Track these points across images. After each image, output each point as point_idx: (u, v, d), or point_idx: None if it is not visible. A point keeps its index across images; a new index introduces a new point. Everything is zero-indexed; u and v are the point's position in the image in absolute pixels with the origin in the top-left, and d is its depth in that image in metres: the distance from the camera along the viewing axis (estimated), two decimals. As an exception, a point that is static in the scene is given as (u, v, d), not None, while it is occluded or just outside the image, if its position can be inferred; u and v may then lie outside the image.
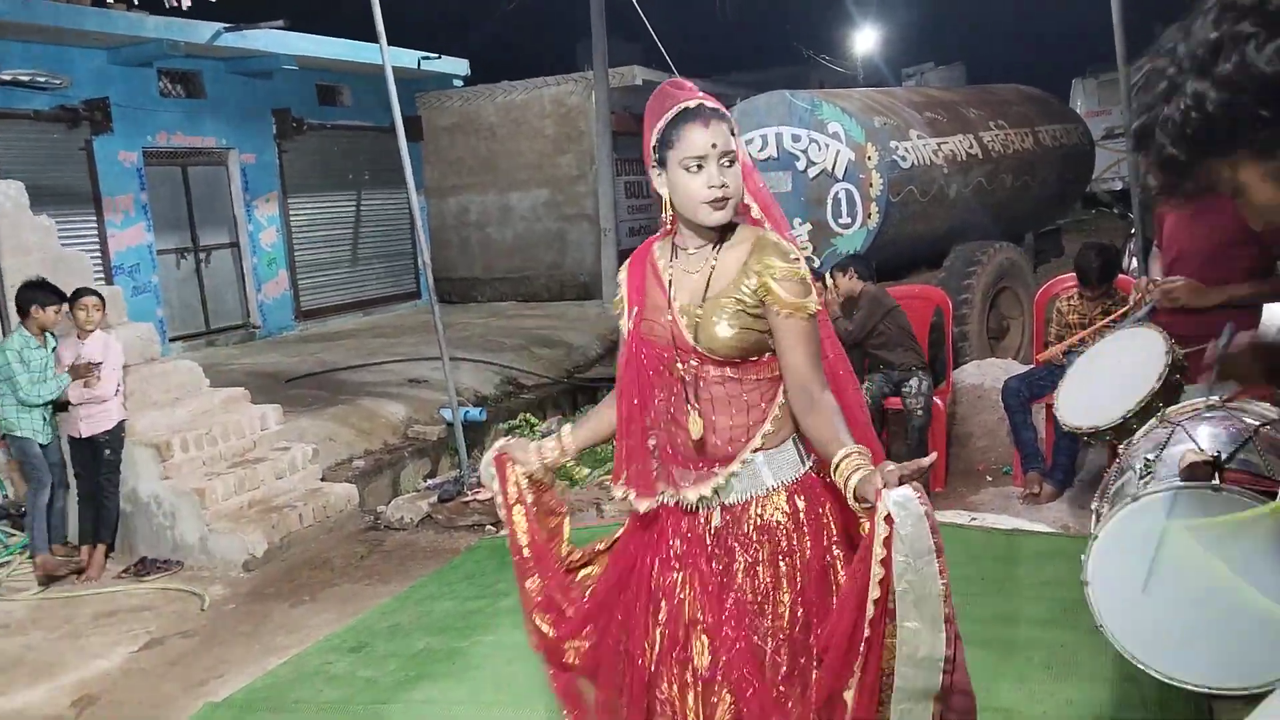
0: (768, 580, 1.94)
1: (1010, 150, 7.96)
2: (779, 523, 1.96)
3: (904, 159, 6.62)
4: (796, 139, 6.71)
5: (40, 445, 5.32)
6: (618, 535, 2.24)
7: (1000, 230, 7.64)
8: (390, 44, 6.02)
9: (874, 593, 1.72)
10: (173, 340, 10.70)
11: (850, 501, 1.82)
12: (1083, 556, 2.01)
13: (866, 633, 1.74)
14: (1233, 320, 2.97)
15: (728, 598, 1.95)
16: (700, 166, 1.89)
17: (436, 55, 13.81)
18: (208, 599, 4.96)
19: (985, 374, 6.07)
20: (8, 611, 4.95)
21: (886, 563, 1.69)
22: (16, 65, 9.12)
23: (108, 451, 5.39)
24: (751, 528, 1.97)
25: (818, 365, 1.94)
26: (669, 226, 2.03)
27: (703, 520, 2.01)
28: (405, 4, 8.26)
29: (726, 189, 1.89)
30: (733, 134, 1.93)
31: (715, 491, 1.98)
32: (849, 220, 6.59)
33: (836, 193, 6.60)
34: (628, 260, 2.12)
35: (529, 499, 2.26)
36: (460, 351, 8.96)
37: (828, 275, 5.71)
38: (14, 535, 5.71)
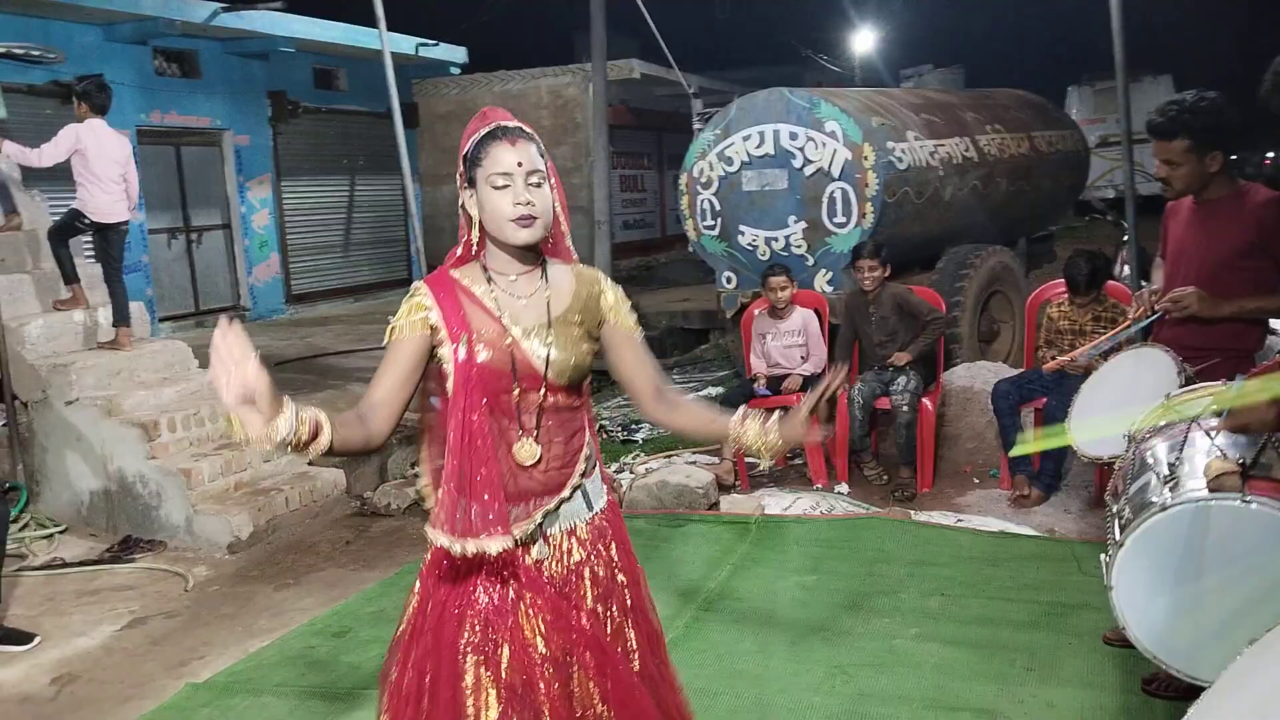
0: (614, 609, 2.05)
1: (1006, 154, 7.98)
2: (600, 547, 2.06)
3: (900, 160, 6.63)
4: (794, 137, 6.71)
5: None
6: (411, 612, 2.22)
7: (994, 234, 7.65)
8: (389, 29, 6.00)
9: None
10: (162, 320, 10.66)
11: (772, 446, 1.98)
12: (1104, 559, 2.04)
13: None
14: (1238, 343, 2.97)
15: (588, 627, 1.98)
16: (507, 185, 1.90)
17: (434, 42, 13.76)
18: (191, 580, 4.95)
19: (975, 377, 6.09)
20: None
21: None
22: (11, 38, 9.04)
23: None
24: (577, 555, 2.03)
25: (662, 371, 2.11)
26: (475, 250, 2.02)
27: (521, 552, 1.98)
28: (405, -11, 8.22)
29: (533, 207, 1.90)
30: (542, 156, 1.95)
31: (542, 520, 1.99)
32: (844, 220, 6.60)
33: (832, 192, 6.61)
34: (423, 287, 1.99)
35: None
36: (451, 340, 8.93)
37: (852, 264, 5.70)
38: None
